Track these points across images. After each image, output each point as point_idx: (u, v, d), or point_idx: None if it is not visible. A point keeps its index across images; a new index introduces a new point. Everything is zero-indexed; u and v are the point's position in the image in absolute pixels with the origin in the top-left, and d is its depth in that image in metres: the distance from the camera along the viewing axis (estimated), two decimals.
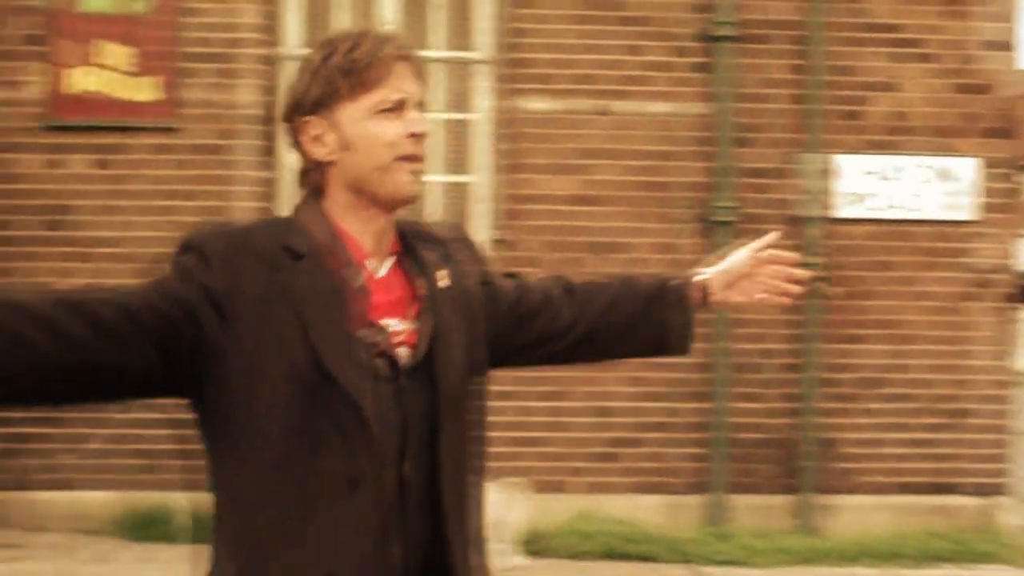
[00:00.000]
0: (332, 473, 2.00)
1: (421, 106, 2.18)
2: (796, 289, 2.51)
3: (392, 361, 2.08)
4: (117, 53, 7.14)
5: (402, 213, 2.20)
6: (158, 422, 6.90)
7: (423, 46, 7.17)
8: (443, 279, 2.18)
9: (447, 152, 7.27)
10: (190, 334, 1.99)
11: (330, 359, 2.00)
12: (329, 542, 2.00)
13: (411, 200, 2.16)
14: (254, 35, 7.18)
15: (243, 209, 7.11)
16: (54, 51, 7.10)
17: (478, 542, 2.20)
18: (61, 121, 7.07)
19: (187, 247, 2.07)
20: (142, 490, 7.03)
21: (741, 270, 2.48)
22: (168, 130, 7.13)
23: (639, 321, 2.43)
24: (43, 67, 7.13)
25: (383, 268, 2.17)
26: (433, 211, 7.16)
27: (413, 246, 2.20)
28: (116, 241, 7.07)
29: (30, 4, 7.21)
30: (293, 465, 2.00)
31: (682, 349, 2.47)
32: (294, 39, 7.27)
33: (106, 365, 1.93)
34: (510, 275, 2.43)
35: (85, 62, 7.11)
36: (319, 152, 2.14)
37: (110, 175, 7.11)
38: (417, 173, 2.15)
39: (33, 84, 7.15)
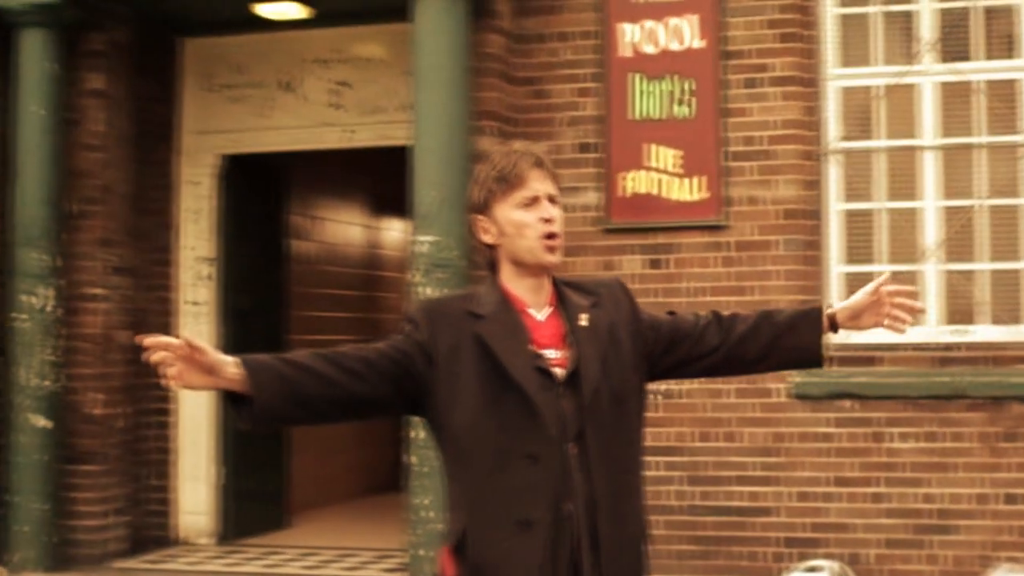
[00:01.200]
0: (517, 450, 3.38)
1: (552, 198, 3.54)
2: (911, 320, 3.67)
3: (551, 376, 3.45)
4: (665, 156, 9.05)
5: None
6: (715, 510, 8.72)
7: (966, 133, 8.70)
8: (583, 320, 3.51)
9: (993, 238, 8.73)
10: (412, 372, 3.43)
11: (514, 372, 3.40)
12: (518, 498, 3.37)
13: (551, 267, 3.54)
14: (795, 131, 8.86)
15: (786, 302, 8.82)
16: (609, 157, 9.11)
17: (632, 507, 3.52)
18: (617, 223, 9.06)
19: (408, 319, 3.56)
20: (700, 575, 8.87)
21: (865, 302, 3.66)
22: (715, 228, 8.97)
23: (777, 344, 3.68)
24: (597, 173, 9.17)
25: (541, 314, 3.52)
26: (981, 299, 8.64)
27: (565, 296, 3.55)
28: None
29: (582, 115, 9.25)
30: (488, 446, 3.40)
31: (816, 363, 3.72)
32: (834, 133, 8.90)
33: (357, 397, 3.41)
34: (670, 312, 3.75)
35: (638, 166, 9.07)
36: (487, 239, 3.55)
37: (662, 274, 9.02)
38: (553, 248, 3.53)
39: (590, 189, 9.18)
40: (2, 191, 9.52)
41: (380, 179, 13.00)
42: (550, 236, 3.54)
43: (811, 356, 3.73)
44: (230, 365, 3.31)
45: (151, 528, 10.50)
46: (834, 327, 3.72)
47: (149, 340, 3.25)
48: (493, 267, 3.60)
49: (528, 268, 3.55)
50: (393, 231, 14.40)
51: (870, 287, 3.69)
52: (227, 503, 10.60)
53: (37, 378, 9.29)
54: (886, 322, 3.70)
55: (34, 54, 9.44)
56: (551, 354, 3.50)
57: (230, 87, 10.67)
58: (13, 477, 9.30)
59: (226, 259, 10.69)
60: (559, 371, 3.49)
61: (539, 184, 3.54)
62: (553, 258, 3.56)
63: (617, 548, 3.48)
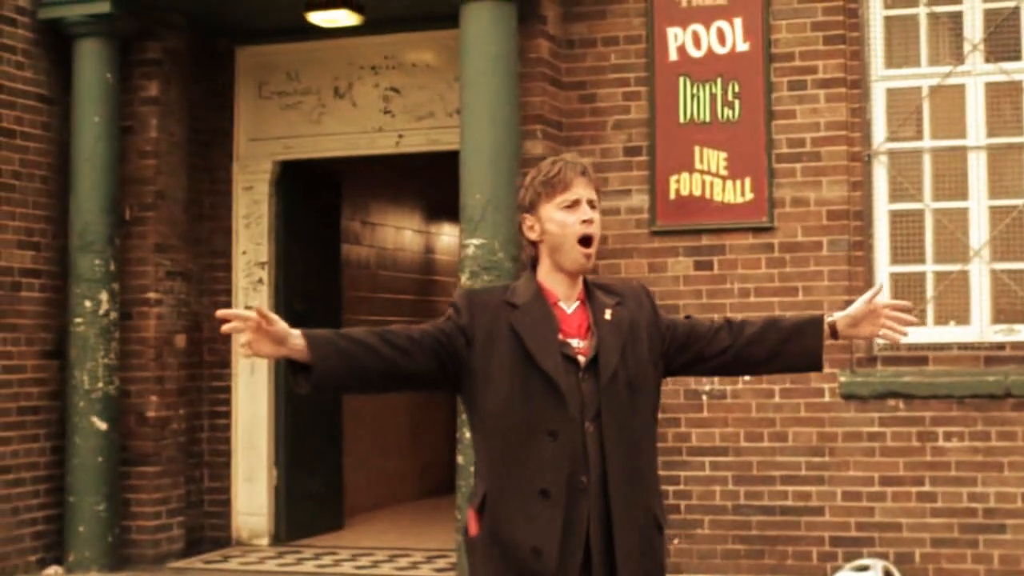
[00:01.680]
0: (540, 426, 3.75)
1: (591, 203, 3.90)
2: (905, 331, 4.03)
3: (575, 362, 3.82)
4: (712, 158, 9.13)
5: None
6: (762, 509, 8.78)
7: (1014, 133, 8.72)
8: (607, 315, 3.88)
9: None
10: (453, 352, 3.82)
11: (540, 357, 3.79)
12: (540, 469, 3.74)
13: (582, 270, 3.90)
14: (842, 133, 8.92)
15: (833, 303, 8.87)
16: (658, 160, 9.20)
17: (644, 488, 3.84)
18: (664, 225, 9.14)
19: (451, 304, 3.94)
20: (747, 574, 8.92)
21: (863, 312, 4.01)
22: (762, 229, 9.03)
23: (783, 348, 4.05)
24: (644, 175, 9.25)
25: (570, 308, 3.90)
26: None
27: (593, 294, 3.93)
28: None
29: (629, 118, 9.35)
30: (513, 422, 3.78)
31: (816, 367, 4.08)
32: (880, 135, 8.95)
33: (404, 371, 3.80)
34: (688, 317, 4.14)
35: (686, 168, 9.16)
36: (532, 236, 3.92)
37: (709, 275, 9.09)
38: (588, 255, 3.87)
39: (637, 192, 9.27)
40: (62, 197, 9.70)
41: (432, 184, 13.15)
42: (586, 241, 3.90)
43: (813, 360, 4.10)
44: (295, 336, 3.68)
45: (207, 529, 10.67)
46: (834, 334, 4.07)
47: (224, 312, 3.67)
48: (534, 263, 3.98)
49: (562, 269, 3.93)
50: (446, 236, 14.53)
51: (865, 298, 4.05)
52: (282, 504, 10.75)
53: (94, 381, 9.47)
54: (882, 332, 4.04)
55: (91, 63, 9.64)
56: (575, 343, 3.87)
57: (283, 94, 10.84)
58: (71, 478, 9.48)
59: (281, 264, 10.85)
60: (581, 358, 3.85)
61: (581, 189, 3.90)
62: (588, 262, 3.92)
63: (628, 523, 3.81)
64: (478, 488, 3.90)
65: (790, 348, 4.08)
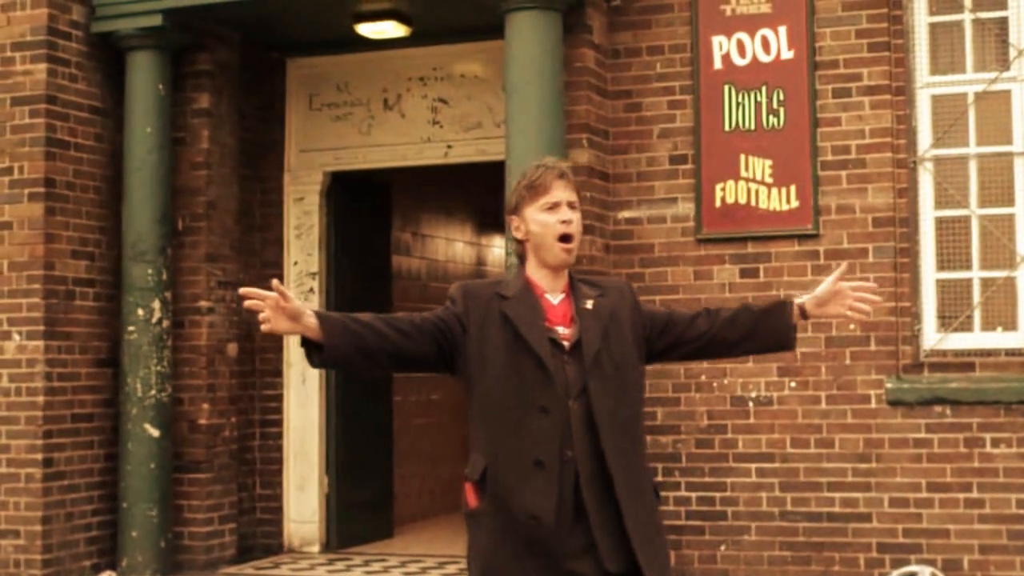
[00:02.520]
0: (533, 403, 4.11)
1: (571, 204, 4.22)
2: (869, 309, 4.37)
3: (560, 346, 4.19)
4: (758, 166, 9.17)
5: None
6: (809, 516, 8.80)
7: None
8: (588, 304, 4.24)
9: None
10: (450, 337, 4.18)
11: (531, 340, 4.15)
12: (532, 442, 4.09)
13: (564, 265, 4.23)
14: (887, 140, 8.94)
15: (879, 309, 8.88)
16: (703, 168, 9.25)
17: (637, 456, 4.20)
18: (710, 233, 9.17)
19: (448, 296, 4.28)
20: None
21: (829, 293, 4.38)
22: (807, 236, 9.05)
23: (754, 329, 4.39)
24: (690, 183, 9.30)
25: (556, 299, 4.25)
26: None
27: (577, 287, 4.28)
28: None
29: (674, 126, 9.40)
30: (508, 400, 4.13)
31: (787, 346, 4.44)
32: (925, 141, 8.95)
33: (407, 352, 4.15)
34: (668, 310, 4.49)
35: (731, 176, 9.19)
36: (518, 236, 4.28)
37: (755, 283, 9.11)
38: (568, 251, 4.21)
39: (683, 200, 9.32)
40: (115, 208, 9.86)
41: (483, 196, 13.23)
42: (566, 238, 4.25)
43: (784, 339, 4.47)
44: (309, 315, 4.03)
45: (259, 536, 10.79)
46: (804, 315, 4.45)
47: (245, 290, 4.01)
48: (522, 259, 4.35)
49: (547, 264, 4.28)
50: (497, 248, 14.62)
51: (831, 279, 4.42)
52: (333, 512, 10.85)
53: (147, 388, 9.62)
54: (848, 312, 4.41)
55: (143, 75, 9.80)
56: (561, 330, 4.26)
57: (333, 105, 10.97)
58: (124, 484, 9.63)
59: (332, 274, 10.98)
60: (566, 343, 4.24)
61: (561, 192, 4.26)
62: (568, 257, 4.28)
63: (631, 489, 4.16)
64: (476, 463, 4.24)
65: (762, 328, 4.43)
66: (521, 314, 4.20)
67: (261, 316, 3.99)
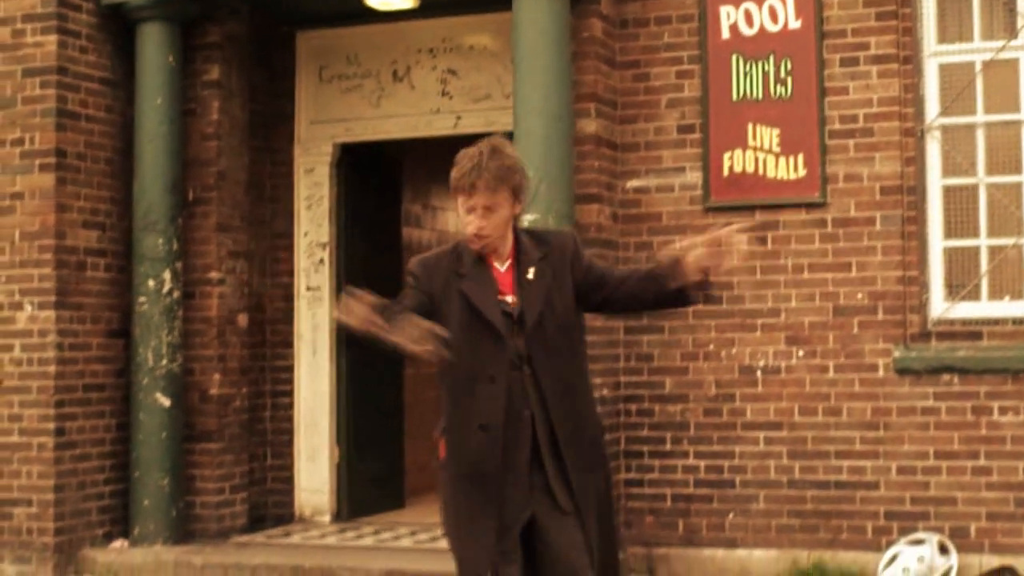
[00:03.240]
0: (483, 370, 4.62)
1: (488, 207, 4.61)
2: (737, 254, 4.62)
3: (510, 315, 4.66)
4: (766, 135, 9.18)
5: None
6: (817, 484, 8.84)
7: None
8: (530, 274, 4.70)
9: None
10: (430, 312, 4.57)
11: (488, 316, 4.63)
12: (483, 406, 4.62)
13: (480, 252, 4.68)
14: (894, 109, 8.92)
15: (886, 278, 8.92)
16: (711, 137, 9.28)
17: (574, 417, 4.71)
18: (720, 202, 9.18)
19: (410, 273, 4.78)
20: (802, 548, 8.98)
21: (708, 248, 4.58)
22: (814, 205, 9.05)
23: (653, 287, 4.71)
24: (698, 153, 9.32)
25: (503, 266, 4.73)
26: None
27: (523, 249, 4.72)
28: (771, 312, 9.08)
29: (682, 96, 9.42)
30: (464, 368, 4.62)
31: (684, 301, 4.77)
32: (933, 110, 8.94)
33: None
34: (604, 268, 4.89)
35: (739, 145, 9.21)
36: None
37: (763, 251, 9.14)
38: (480, 245, 4.67)
39: (691, 169, 9.34)
40: (127, 179, 9.92)
41: None
42: (474, 239, 4.70)
43: (677, 302, 4.82)
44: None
45: (271, 506, 10.86)
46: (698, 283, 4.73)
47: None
48: None
49: None
50: None
51: (707, 237, 4.68)
52: (344, 482, 10.91)
53: (159, 359, 9.68)
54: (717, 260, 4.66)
55: (153, 47, 9.84)
56: (509, 299, 4.74)
57: (343, 77, 11.00)
58: (136, 454, 9.70)
59: (342, 245, 11.02)
60: (513, 313, 4.70)
61: (472, 199, 4.67)
62: (480, 249, 4.73)
63: (572, 437, 4.71)
64: (441, 421, 4.81)
65: (660, 290, 4.73)
66: (477, 293, 4.69)
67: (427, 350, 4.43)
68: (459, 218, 4.79)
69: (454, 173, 4.71)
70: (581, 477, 4.74)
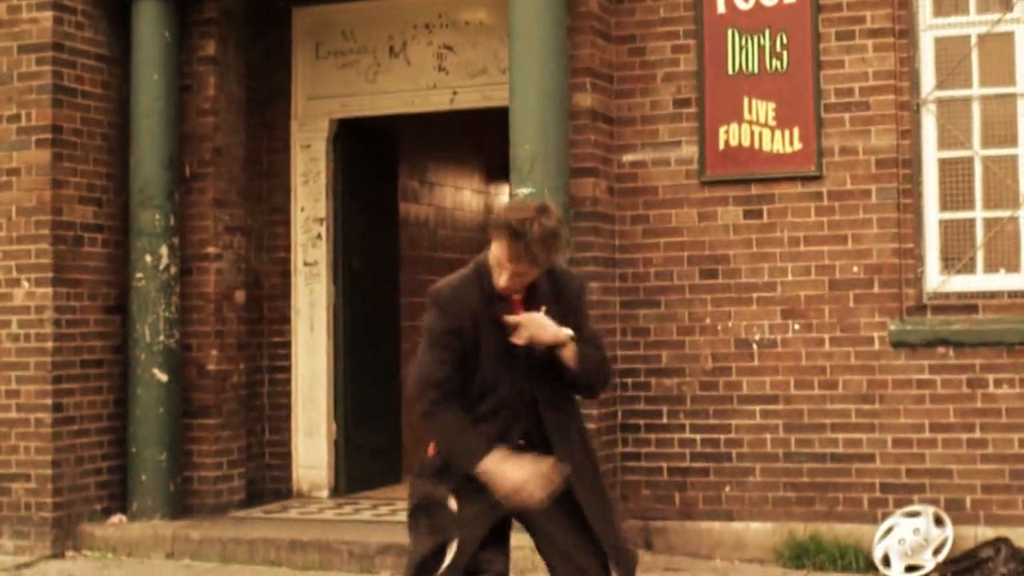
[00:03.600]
0: (493, 394, 4.77)
1: (519, 272, 4.70)
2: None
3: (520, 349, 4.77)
4: (761, 109, 9.18)
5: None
6: (813, 456, 8.86)
7: None
8: (543, 307, 4.80)
9: None
10: (462, 352, 4.76)
11: (499, 345, 4.74)
12: (495, 410, 4.78)
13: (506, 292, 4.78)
14: (890, 82, 8.93)
15: (882, 251, 8.93)
16: (707, 111, 9.27)
17: (568, 429, 4.90)
18: (715, 176, 9.18)
19: (435, 303, 4.82)
20: (798, 521, 9.02)
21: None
22: (810, 178, 9.06)
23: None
24: (694, 127, 9.33)
25: (519, 296, 4.79)
26: None
27: (537, 284, 4.80)
28: (767, 285, 9.10)
29: (678, 70, 9.42)
30: (486, 380, 4.77)
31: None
32: (928, 83, 8.91)
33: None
34: (586, 329, 4.95)
35: (735, 119, 9.22)
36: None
37: (759, 224, 9.14)
38: (508, 288, 4.76)
39: (687, 143, 9.35)
40: (123, 154, 9.93)
41: (490, 144, 13.24)
42: (509, 282, 4.79)
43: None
44: (503, 454, 4.73)
45: (269, 481, 10.89)
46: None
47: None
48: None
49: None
50: (505, 195, 14.63)
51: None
52: (342, 458, 10.95)
53: (155, 334, 9.70)
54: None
55: (149, 23, 9.84)
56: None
57: (339, 53, 11.01)
58: (133, 429, 9.73)
59: (339, 221, 11.03)
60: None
61: (513, 264, 4.73)
62: (505, 288, 4.81)
63: (564, 440, 4.90)
64: None
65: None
66: (495, 313, 4.79)
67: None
68: (492, 247, 4.81)
69: (515, 224, 4.69)
70: (584, 487, 4.93)
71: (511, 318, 4.78)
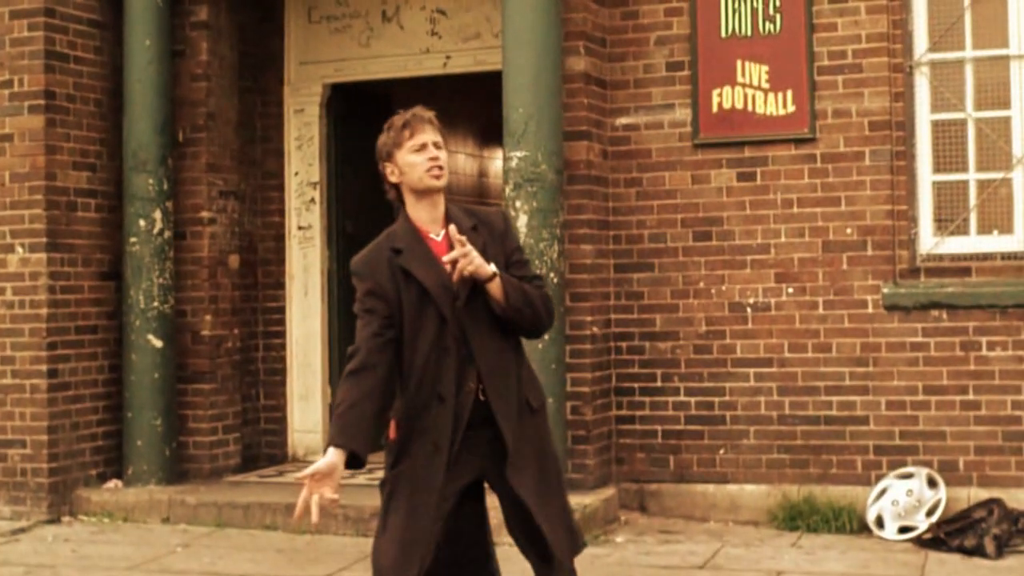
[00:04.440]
0: (437, 345, 4.73)
1: (436, 144, 4.79)
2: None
3: (452, 289, 4.73)
4: (754, 71, 9.18)
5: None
6: (807, 419, 8.89)
7: None
8: (467, 243, 4.66)
9: None
10: (394, 319, 4.75)
11: (431, 291, 4.72)
12: (437, 377, 4.72)
13: (436, 190, 4.81)
14: (883, 44, 8.92)
15: (875, 213, 8.93)
16: (700, 74, 9.26)
17: (515, 381, 4.83)
18: (709, 138, 9.19)
19: (355, 274, 4.83)
20: (792, 483, 9.05)
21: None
22: (803, 141, 9.06)
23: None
24: (687, 90, 9.32)
25: (439, 235, 4.83)
26: None
27: (454, 218, 4.81)
28: (761, 248, 9.11)
29: (671, 33, 9.40)
30: (416, 341, 4.73)
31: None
32: (922, 46, 8.93)
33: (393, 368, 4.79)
34: (517, 258, 4.90)
35: (728, 82, 9.21)
36: (393, 179, 4.84)
37: (752, 186, 9.16)
38: (438, 176, 4.78)
39: (680, 106, 9.34)
40: (116, 120, 9.91)
41: (484, 108, 13.24)
42: (433, 170, 4.82)
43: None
44: (334, 460, 4.66)
45: (264, 446, 10.91)
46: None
47: (297, 513, 4.70)
48: (402, 202, 4.91)
49: (421, 193, 4.86)
50: (499, 160, 14.64)
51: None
52: None
53: (150, 300, 9.70)
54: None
55: None
56: (447, 270, 4.80)
57: (332, 18, 10.97)
58: (128, 394, 9.74)
59: (333, 185, 11.03)
60: (453, 287, 4.78)
61: (427, 135, 4.83)
62: (438, 182, 4.85)
63: (505, 407, 4.82)
64: (399, 404, 4.83)
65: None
66: (419, 267, 4.79)
67: (316, 503, 4.61)
68: (399, 168, 4.85)
69: (401, 120, 4.86)
70: (520, 446, 4.86)
71: (448, 256, 4.75)
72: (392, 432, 4.86)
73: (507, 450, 4.81)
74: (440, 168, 4.82)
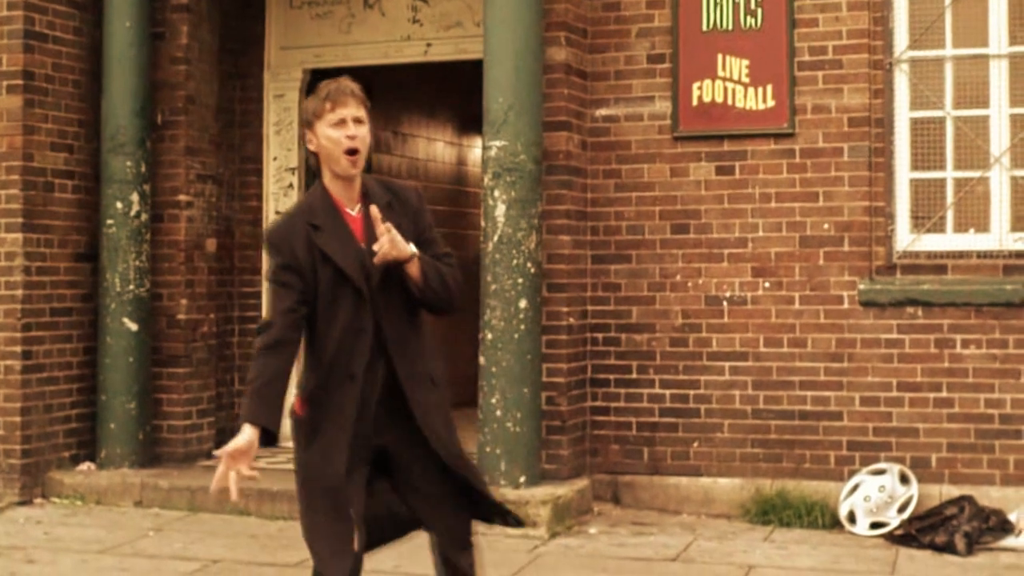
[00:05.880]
0: (352, 326, 4.69)
1: (357, 120, 4.69)
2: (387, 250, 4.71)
3: (368, 269, 4.68)
4: (735, 65, 9.18)
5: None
6: (781, 414, 8.90)
7: None
8: (384, 221, 4.64)
9: None
10: (309, 293, 4.68)
11: (347, 270, 4.68)
12: (351, 355, 4.70)
13: (350, 175, 4.74)
14: (863, 41, 8.92)
15: (853, 209, 8.95)
16: (681, 67, 9.25)
17: (420, 358, 4.85)
18: (688, 131, 9.17)
19: (270, 245, 4.78)
20: (765, 477, 9.07)
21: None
22: (782, 135, 9.06)
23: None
24: (667, 82, 9.31)
25: (355, 210, 4.78)
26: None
27: (370, 193, 4.78)
28: (738, 242, 9.12)
29: (652, 26, 9.38)
30: (331, 320, 4.68)
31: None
32: (902, 43, 8.94)
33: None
34: (430, 236, 4.88)
35: (709, 76, 9.21)
36: (311, 148, 4.77)
37: (731, 180, 9.16)
38: (354, 162, 4.70)
39: (660, 99, 9.33)
40: (95, 101, 9.87)
41: (464, 97, 13.21)
42: (351, 152, 4.73)
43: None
44: (249, 437, 4.70)
45: (238, 430, 10.83)
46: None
47: (214, 488, 4.74)
48: (318, 170, 4.86)
49: (338, 175, 4.80)
50: (478, 148, 14.61)
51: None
52: None
53: (126, 283, 9.67)
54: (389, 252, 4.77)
55: None
56: (363, 247, 4.77)
57: (313, 4, 10.93)
58: (103, 377, 9.71)
59: (310, 170, 10.97)
60: (369, 264, 4.74)
61: (348, 109, 4.72)
62: (353, 169, 4.78)
63: (414, 383, 4.85)
64: (307, 380, 4.88)
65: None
66: (336, 247, 4.73)
67: (234, 490, 4.62)
68: (318, 138, 4.79)
69: (325, 90, 4.76)
70: (431, 422, 4.91)
71: (375, 246, 4.71)
72: (298, 408, 4.90)
73: (415, 423, 4.84)
74: (356, 151, 4.72)
